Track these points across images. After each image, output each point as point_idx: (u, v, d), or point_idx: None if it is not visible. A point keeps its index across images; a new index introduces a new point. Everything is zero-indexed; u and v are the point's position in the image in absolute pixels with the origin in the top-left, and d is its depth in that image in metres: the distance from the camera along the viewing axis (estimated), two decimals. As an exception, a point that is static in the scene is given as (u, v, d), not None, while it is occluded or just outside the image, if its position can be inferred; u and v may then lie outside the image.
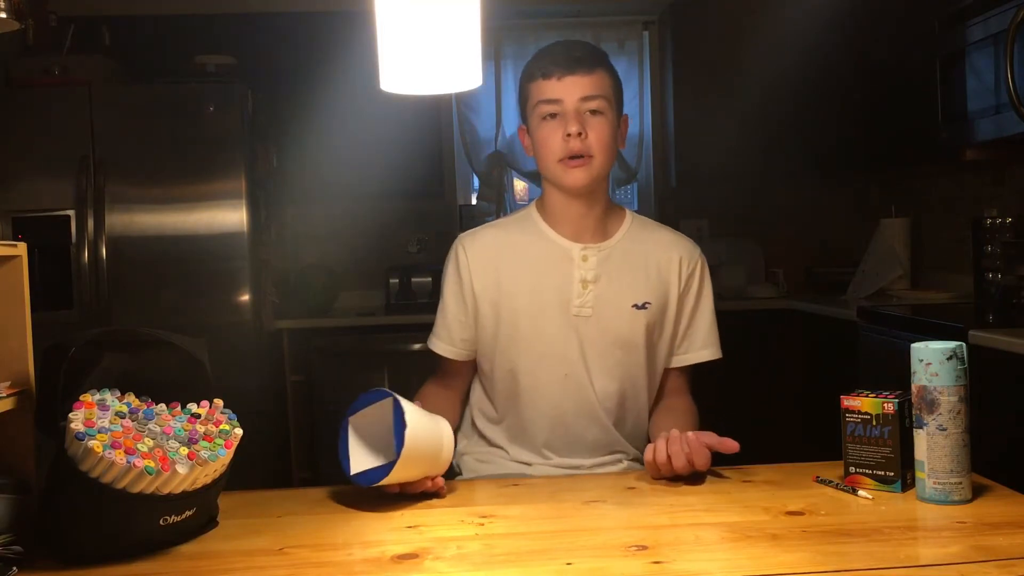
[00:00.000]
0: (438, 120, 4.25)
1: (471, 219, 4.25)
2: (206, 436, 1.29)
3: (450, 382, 1.87)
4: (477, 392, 1.88)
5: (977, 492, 1.36)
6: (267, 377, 3.71)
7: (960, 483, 1.33)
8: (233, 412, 1.37)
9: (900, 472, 1.39)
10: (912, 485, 1.39)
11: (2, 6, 1.37)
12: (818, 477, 1.48)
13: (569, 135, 1.70)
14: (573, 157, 1.72)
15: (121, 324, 3.35)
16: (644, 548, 1.20)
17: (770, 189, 4.50)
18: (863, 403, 1.41)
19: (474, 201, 4.56)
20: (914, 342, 1.36)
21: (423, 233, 4.39)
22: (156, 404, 1.32)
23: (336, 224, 4.38)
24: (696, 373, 1.90)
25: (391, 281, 4.14)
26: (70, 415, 1.21)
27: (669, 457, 1.48)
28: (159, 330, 1.38)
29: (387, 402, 1.45)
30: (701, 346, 1.84)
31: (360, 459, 1.45)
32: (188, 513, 1.26)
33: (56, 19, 3.77)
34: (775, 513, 1.33)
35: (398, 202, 4.38)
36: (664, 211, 4.55)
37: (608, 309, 1.76)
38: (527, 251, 1.80)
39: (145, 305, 3.50)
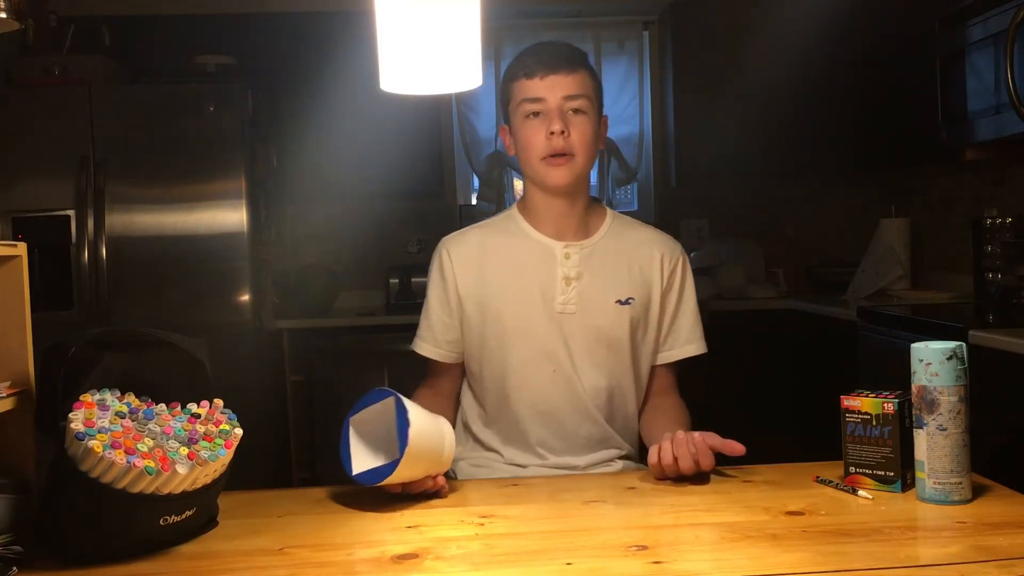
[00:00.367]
0: (438, 120, 4.25)
1: (471, 219, 4.23)
2: (206, 436, 1.29)
3: (440, 386, 1.87)
4: (468, 396, 1.89)
5: (977, 492, 1.36)
6: (267, 377, 3.71)
7: (960, 483, 1.33)
8: (233, 412, 1.37)
9: (900, 472, 1.39)
10: (912, 485, 1.39)
11: (2, 6, 1.37)
12: (818, 477, 1.48)
13: (552, 133, 1.73)
14: (556, 155, 1.74)
15: (121, 324, 3.35)
16: (644, 548, 1.20)
17: (770, 189, 4.50)
18: (863, 403, 1.41)
19: (474, 201, 4.56)
20: (914, 342, 1.36)
21: (423, 233, 4.39)
22: (156, 404, 1.32)
23: (336, 224, 4.38)
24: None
25: (391, 281, 4.14)
26: (70, 415, 1.21)
27: (675, 459, 1.48)
28: (159, 330, 1.39)
29: (389, 401, 1.45)
30: (686, 341, 1.86)
31: (362, 459, 1.45)
32: (188, 513, 1.26)
33: (56, 19, 3.77)
34: (775, 513, 1.33)
35: (398, 202, 4.38)
36: (664, 211, 4.55)
37: (592, 306, 1.78)
38: (510, 251, 1.82)
39: (145, 305, 3.50)
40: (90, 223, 3.46)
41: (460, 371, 1.88)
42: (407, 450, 1.38)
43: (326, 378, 3.85)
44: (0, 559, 1.18)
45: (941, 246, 4.00)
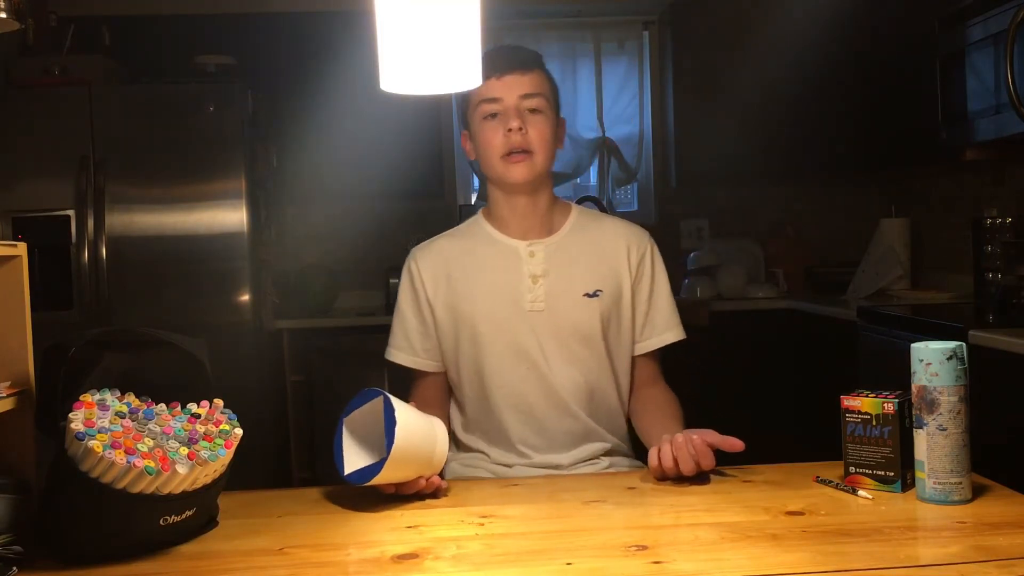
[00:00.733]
0: (438, 120, 4.25)
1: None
2: (206, 436, 1.29)
3: (425, 397, 1.86)
4: (451, 405, 1.91)
5: (977, 492, 1.36)
6: (267, 377, 3.71)
7: (960, 483, 1.33)
8: (233, 412, 1.37)
9: (900, 472, 1.39)
10: (912, 485, 1.39)
11: (2, 6, 1.37)
12: (818, 477, 1.48)
13: (510, 130, 1.75)
14: (515, 152, 1.76)
15: (121, 324, 3.35)
16: (644, 548, 1.20)
17: (770, 189, 4.51)
18: (863, 403, 1.41)
19: (474, 201, 4.56)
20: (914, 342, 1.36)
21: (423, 233, 4.31)
22: (156, 404, 1.32)
23: (336, 224, 4.38)
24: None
25: (391, 281, 4.13)
26: (70, 415, 1.21)
27: (676, 461, 1.49)
28: (159, 330, 1.39)
29: (378, 401, 1.45)
30: (664, 328, 1.86)
31: (353, 459, 1.46)
32: (188, 513, 1.26)
33: (56, 19, 3.78)
34: (775, 513, 1.33)
35: (398, 202, 4.38)
36: (664, 211, 4.55)
37: (560, 301, 1.79)
38: (476, 255, 1.84)
39: (145, 305, 3.50)
40: (90, 223, 3.46)
41: (443, 380, 1.89)
42: (393, 450, 1.38)
43: (326, 378, 3.85)
44: (0, 559, 1.18)
45: (941, 246, 4.00)
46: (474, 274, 1.83)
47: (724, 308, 3.93)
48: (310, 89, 4.01)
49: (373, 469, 1.40)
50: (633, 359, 1.87)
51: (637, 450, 1.85)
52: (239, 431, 1.33)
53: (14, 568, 1.18)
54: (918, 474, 1.35)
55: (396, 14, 1.33)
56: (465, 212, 4.36)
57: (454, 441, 1.88)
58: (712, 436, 1.51)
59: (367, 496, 1.47)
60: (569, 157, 4.45)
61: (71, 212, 3.48)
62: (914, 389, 1.35)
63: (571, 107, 4.47)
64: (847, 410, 1.43)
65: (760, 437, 3.79)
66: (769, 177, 4.32)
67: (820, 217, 4.53)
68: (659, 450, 1.51)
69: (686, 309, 3.94)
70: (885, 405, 1.39)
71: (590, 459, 1.81)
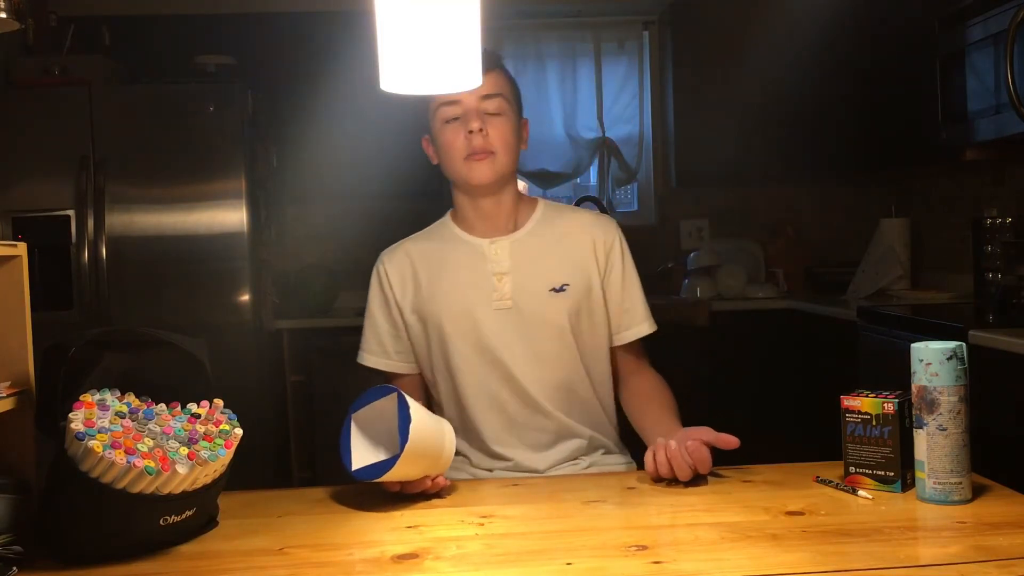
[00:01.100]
0: (438, 120, 4.24)
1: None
2: (206, 436, 1.29)
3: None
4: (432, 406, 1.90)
5: (977, 492, 1.36)
6: (267, 377, 3.71)
7: (960, 483, 1.33)
8: (233, 412, 1.37)
9: (900, 472, 1.39)
10: (912, 485, 1.39)
11: (2, 6, 1.37)
12: (818, 477, 1.48)
13: (471, 132, 1.75)
14: (476, 153, 1.76)
15: (121, 324, 3.35)
16: (644, 548, 1.20)
17: (770, 189, 4.51)
18: (863, 403, 1.41)
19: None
20: (914, 342, 1.36)
21: (423, 233, 4.38)
22: (156, 404, 1.32)
23: (336, 224, 4.38)
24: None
25: (391, 281, 4.13)
26: (70, 415, 1.21)
27: (675, 469, 1.49)
28: (159, 330, 1.39)
29: (391, 398, 1.46)
30: (641, 320, 1.85)
31: (362, 454, 1.46)
32: (188, 513, 1.26)
33: (56, 19, 3.78)
34: (775, 513, 1.33)
35: (398, 202, 4.37)
36: (664, 211, 4.55)
37: (526, 298, 1.78)
38: (441, 256, 1.85)
39: (145, 305, 3.50)
40: (90, 223, 3.46)
41: (418, 381, 1.88)
42: (407, 447, 1.38)
43: (326, 378, 3.85)
44: (0, 559, 1.18)
45: (941, 246, 4.00)
46: (440, 274, 1.82)
47: (724, 308, 3.93)
48: (310, 89, 4.01)
49: (384, 466, 1.40)
50: (613, 350, 1.86)
51: (632, 442, 1.84)
52: (239, 431, 1.33)
53: (14, 568, 1.18)
54: (918, 474, 1.35)
55: (396, 14, 1.33)
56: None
57: None
58: (707, 434, 1.51)
59: (367, 496, 1.47)
60: (569, 157, 4.45)
61: (71, 212, 3.47)
62: (914, 389, 1.35)
63: (571, 107, 4.47)
64: (847, 410, 1.43)
65: (760, 437, 3.79)
66: (769, 177, 4.32)
67: (820, 217, 4.53)
68: (654, 455, 1.51)
69: (686, 309, 3.95)
70: (885, 405, 1.39)
71: (569, 459, 1.80)
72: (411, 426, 1.38)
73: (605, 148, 4.48)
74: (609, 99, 4.51)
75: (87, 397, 1.25)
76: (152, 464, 1.19)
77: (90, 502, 1.19)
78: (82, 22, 3.77)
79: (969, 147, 3.10)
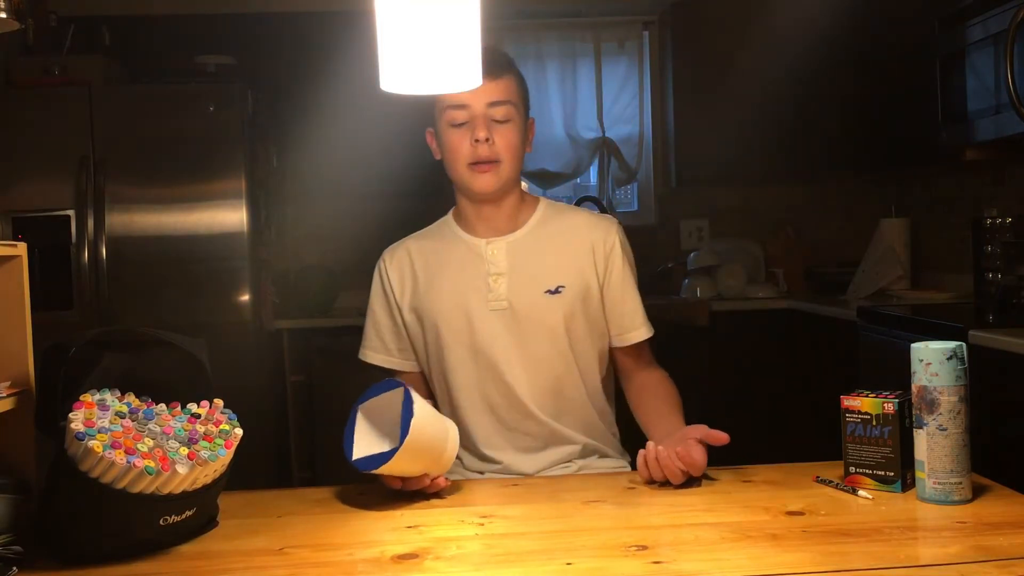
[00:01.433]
0: (438, 120, 4.24)
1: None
2: (206, 436, 1.29)
3: None
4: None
5: (977, 492, 1.36)
6: (267, 377, 3.71)
7: (960, 483, 1.33)
8: (233, 412, 1.37)
9: (900, 472, 1.39)
10: (912, 485, 1.39)
11: (2, 6, 1.37)
12: (818, 477, 1.48)
13: (477, 141, 1.74)
14: (481, 162, 1.75)
15: (121, 324, 3.35)
16: (644, 548, 1.20)
17: (770, 189, 4.51)
18: (863, 403, 1.41)
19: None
20: (914, 342, 1.36)
21: (423, 233, 4.38)
22: (156, 404, 1.32)
23: (336, 224, 4.38)
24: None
25: (391, 281, 4.13)
26: (70, 415, 1.21)
27: (665, 474, 1.48)
28: (159, 330, 1.39)
29: (398, 392, 1.46)
30: (641, 323, 1.84)
31: (364, 445, 1.46)
32: (188, 513, 1.26)
33: (56, 19, 3.77)
34: (775, 513, 1.33)
35: (398, 202, 4.36)
36: (664, 211, 4.55)
37: (521, 299, 1.77)
38: (439, 254, 1.84)
39: (145, 305, 3.50)
40: (90, 223, 3.46)
41: (419, 379, 1.88)
42: (407, 441, 1.38)
43: (326, 378, 3.85)
44: (0, 559, 1.18)
45: (941, 246, 4.00)
46: (437, 273, 1.82)
47: (724, 308, 3.93)
48: (310, 89, 4.01)
49: (383, 457, 1.40)
50: (615, 351, 1.85)
51: (638, 445, 1.84)
52: (239, 431, 1.33)
53: (14, 568, 1.18)
54: (918, 474, 1.35)
55: (396, 14, 1.33)
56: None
57: None
58: (699, 431, 1.50)
59: (367, 496, 1.47)
60: (569, 157, 4.45)
61: (71, 212, 3.47)
62: (914, 389, 1.35)
63: (571, 107, 4.47)
64: (847, 410, 1.43)
65: (760, 437, 3.81)
66: (769, 177, 4.32)
67: (820, 217, 4.53)
68: (646, 463, 1.50)
69: (686, 309, 3.95)
70: (885, 405, 1.39)
71: (559, 463, 1.79)
72: (412, 421, 1.38)
73: (605, 148, 4.48)
74: (609, 99, 4.51)
75: (87, 397, 1.25)
76: (152, 464, 1.19)
77: (90, 502, 1.19)
78: (82, 22, 3.78)
79: (969, 147, 3.10)
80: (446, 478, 1.50)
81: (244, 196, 3.54)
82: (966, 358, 1.33)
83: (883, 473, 1.40)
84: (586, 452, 1.81)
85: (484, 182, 1.76)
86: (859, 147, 3.98)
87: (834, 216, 4.53)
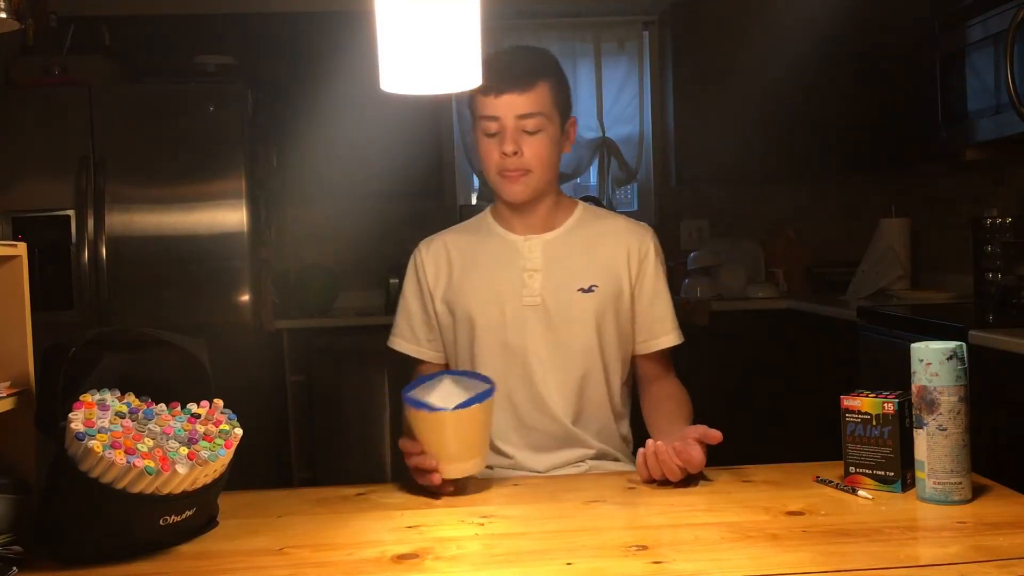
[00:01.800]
0: (438, 120, 4.25)
1: (471, 219, 4.26)
2: (206, 436, 1.29)
3: None
4: None
5: (977, 492, 1.36)
6: (267, 377, 3.71)
7: (960, 483, 1.33)
8: (233, 412, 1.37)
9: (900, 472, 1.39)
10: (912, 485, 1.39)
11: (2, 6, 1.37)
12: (818, 477, 1.48)
13: (505, 154, 1.76)
14: (511, 171, 1.77)
15: (121, 324, 3.35)
16: (644, 548, 1.20)
17: (770, 189, 4.50)
18: (863, 403, 1.41)
19: (474, 201, 4.56)
20: (914, 342, 1.36)
21: (423, 233, 4.34)
22: (156, 404, 1.32)
23: (336, 224, 4.38)
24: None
25: (391, 281, 4.13)
26: (70, 415, 1.21)
27: (664, 471, 1.49)
28: (159, 330, 1.39)
29: (485, 387, 1.51)
30: (670, 329, 1.86)
31: (423, 393, 1.51)
32: (188, 513, 1.26)
33: (56, 19, 3.77)
34: (775, 513, 1.33)
35: (398, 202, 4.37)
36: (664, 211, 4.55)
37: (554, 296, 1.79)
38: (477, 249, 1.87)
39: (145, 305, 3.50)
40: (90, 223, 3.46)
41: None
42: (462, 411, 1.42)
43: (326, 378, 3.85)
44: (0, 559, 1.18)
45: (941, 246, 4.00)
46: (473, 267, 1.84)
47: (724, 308, 3.93)
48: (310, 89, 4.01)
49: (427, 407, 1.45)
50: (637, 358, 1.87)
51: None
52: (239, 431, 1.33)
53: (14, 568, 1.18)
54: (918, 474, 1.35)
55: (396, 14, 1.33)
56: (465, 212, 4.36)
57: None
58: (696, 431, 1.51)
59: (367, 496, 1.48)
60: (569, 157, 4.44)
61: (71, 212, 3.47)
62: (914, 389, 1.35)
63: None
64: (847, 410, 1.43)
65: (760, 437, 3.80)
66: (769, 177, 4.32)
67: (820, 217, 4.53)
68: (646, 462, 1.51)
69: (686, 309, 3.95)
70: (885, 405, 1.39)
71: (571, 463, 1.79)
72: (488, 399, 1.44)
73: (605, 148, 4.48)
74: (609, 99, 4.51)
75: (87, 397, 1.25)
76: (152, 464, 1.19)
77: (90, 502, 1.19)
78: (82, 22, 3.77)
79: (969, 147, 3.10)
80: (452, 485, 1.50)
81: (244, 196, 3.54)
82: (966, 358, 1.33)
83: (883, 473, 1.40)
84: (598, 457, 1.82)
85: (514, 191, 1.79)
86: (859, 147, 3.98)
87: (834, 216, 4.53)
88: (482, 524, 1.34)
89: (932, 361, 1.32)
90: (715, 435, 1.49)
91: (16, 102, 3.52)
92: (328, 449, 3.82)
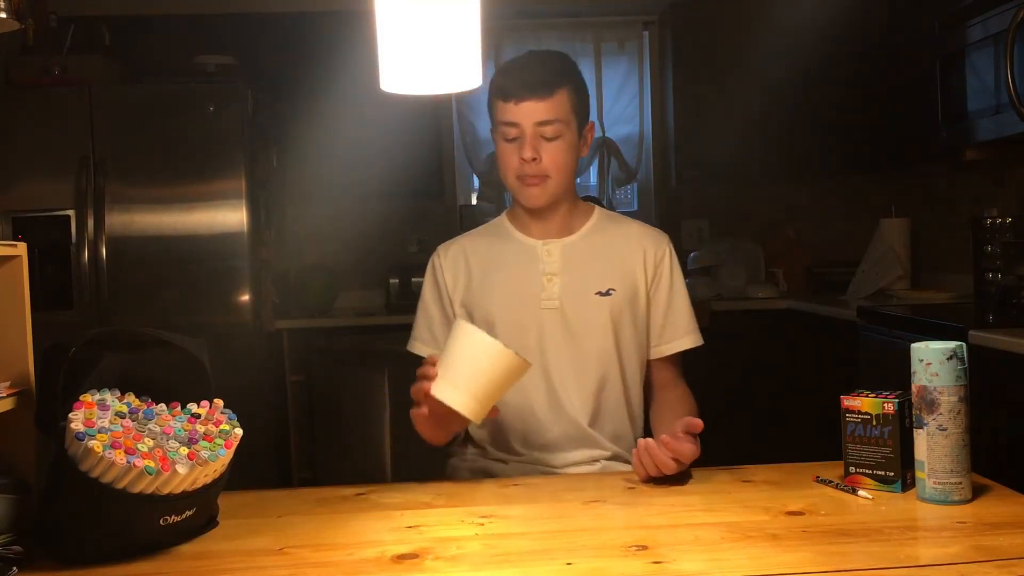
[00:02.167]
0: (438, 120, 4.25)
1: (471, 219, 4.25)
2: (206, 436, 1.29)
3: None
4: None
5: (977, 492, 1.36)
6: (267, 377, 3.71)
7: (960, 483, 1.33)
8: (233, 412, 1.37)
9: (900, 472, 1.39)
10: (912, 485, 1.39)
11: (2, 6, 1.37)
12: (818, 477, 1.48)
13: (523, 160, 1.77)
14: (529, 176, 1.78)
15: (121, 324, 3.35)
16: (644, 548, 1.20)
17: (770, 189, 4.50)
18: (863, 403, 1.41)
19: (474, 201, 4.56)
20: (914, 342, 1.36)
21: (423, 233, 4.38)
22: (156, 404, 1.32)
23: (336, 224, 4.38)
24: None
25: (391, 281, 4.14)
26: (70, 415, 1.21)
27: (657, 466, 1.49)
28: (159, 330, 1.39)
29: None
30: (684, 332, 1.87)
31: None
32: (188, 513, 1.26)
33: (56, 19, 3.77)
34: (775, 513, 1.33)
35: (398, 202, 4.37)
36: (664, 211, 4.55)
37: (573, 300, 1.81)
38: (496, 253, 1.88)
39: (145, 305, 3.50)
40: (90, 223, 3.46)
41: None
42: (516, 357, 1.42)
43: (326, 378, 3.85)
44: (0, 559, 1.18)
45: (941, 246, 4.00)
46: (492, 272, 1.85)
47: (724, 308, 3.93)
48: (310, 89, 4.01)
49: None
50: (651, 363, 1.88)
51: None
52: (239, 431, 1.33)
53: (14, 568, 1.18)
54: (918, 474, 1.35)
55: (396, 14, 1.33)
56: (465, 212, 4.37)
57: (466, 436, 1.89)
58: (680, 424, 1.51)
59: (367, 496, 1.48)
60: (569, 157, 4.44)
61: (71, 212, 3.47)
62: (914, 389, 1.35)
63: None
64: (847, 410, 1.43)
65: (760, 437, 3.79)
66: (769, 177, 4.32)
67: (820, 217, 4.53)
68: (641, 462, 1.51)
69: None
70: (885, 405, 1.39)
71: (586, 462, 1.80)
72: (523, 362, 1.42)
73: (605, 148, 4.48)
74: (609, 99, 4.51)
75: (87, 397, 1.25)
76: (152, 464, 1.19)
77: (90, 502, 1.19)
78: (82, 22, 3.77)
79: (969, 147, 3.10)
80: (435, 407, 1.49)
81: (244, 196, 3.54)
82: (966, 358, 1.33)
83: (883, 473, 1.40)
84: (612, 459, 1.82)
85: (532, 196, 1.81)
86: (859, 147, 3.98)
87: (834, 216, 4.52)
88: (482, 524, 1.34)
89: (932, 361, 1.32)
90: (697, 423, 1.51)
91: (16, 102, 3.52)
92: (328, 449, 3.82)
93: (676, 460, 1.48)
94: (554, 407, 1.79)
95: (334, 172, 4.06)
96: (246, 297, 3.57)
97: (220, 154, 3.54)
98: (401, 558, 1.20)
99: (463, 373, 1.45)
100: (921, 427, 1.34)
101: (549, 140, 1.77)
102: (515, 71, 1.78)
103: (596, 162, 4.51)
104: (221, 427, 1.32)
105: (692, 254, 4.30)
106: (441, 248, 1.94)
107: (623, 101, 4.53)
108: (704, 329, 1.93)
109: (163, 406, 1.32)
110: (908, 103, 3.56)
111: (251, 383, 3.54)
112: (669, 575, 1.12)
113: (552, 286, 1.81)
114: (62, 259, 3.47)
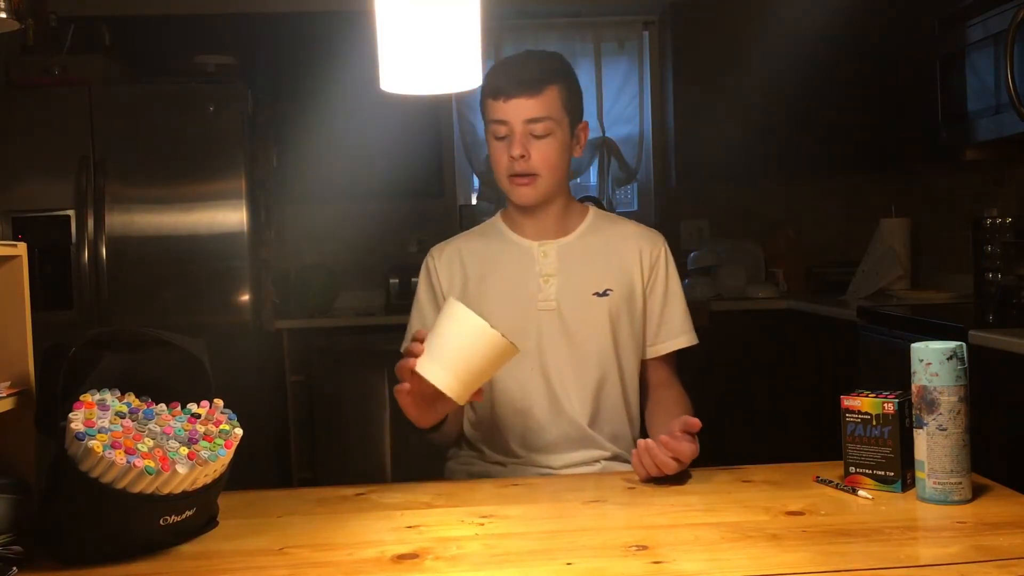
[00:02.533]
0: (438, 120, 4.25)
1: (471, 219, 4.25)
2: (206, 436, 1.29)
3: None
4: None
5: (977, 492, 1.36)
6: (267, 377, 3.71)
7: (960, 483, 1.33)
8: (233, 412, 1.37)
9: (900, 472, 1.39)
10: (912, 485, 1.39)
11: (2, 6, 1.37)
12: (818, 477, 1.48)
13: (513, 157, 1.77)
14: (519, 175, 1.78)
15: (121, 324, 3.35)
16: (644, 548, 1.20)
17: (770, 189, 4.50)
18: (863, 403, 1.41)
19: (474, 201, 4.56)
20: (914, 342, 1.36)
21: (423, 233, 4.38)
22: (156, 404, 1.32)
23: (336, 224, 4.38)
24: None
25: (391, 281, 4.14)
26: (70, 415, 1.21)
27: (656, 466, 1.49)
28: (159, 330, 1.39)
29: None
30: (679, 332, 1.87)
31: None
32: (188, 513, 1.26)
33: (56, 19, 3.77)
34: (775, 513, 1.33)
35: (398, 202, 4.38)
36: (664, 211, 4.55)
37: (570, 300, 1.80)
38: (491, 255, 1.87)
39: (145, 305, 3.50)
40: (90, 223, 3.46)
41: None
42: (503, 339, 1.41)
43: (326, 378, 3.85)
44: (0, 559, 1.18)
45: (941, 246, 4.00)
46: (487, 273, 1.85)
47: (724, 308, 3.93)
48: (310, 89, 4.01)
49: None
50: (646, 362, 1.88)
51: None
52: (239, 431, 1.33)
53: (14, 568, 1.18)
54: (918, 474, 1.35)
55: (396, 14, 1.33)
56: (465, 212, 4.37)
57: (461, 438, 1.89)
58: (678, 423, 1.52)
59: (367, 496, 1.48)
60: (569, 157, 4.44)
61: (71, 212, 3.47)
62: (914, 389, 1.35)
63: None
64: (847, 410, 1.43)
65: (760, 437, 3.79)
66: (769, 177, 4.32)
67: (820, 217, 4.53)
68: (641, 462, 1.51)
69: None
70: (885, 405, 1.39)
71: (586, 463, 1.80)
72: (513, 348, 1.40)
73: (605, 148, 4.48)
74: (609, 99, 4.51)
75: (87, 397, 1.25)
76: (152, 464, 1.19)
77: (90, 502, 1.19)
78: (82, 22, 3.77)
79: (969, 147, 3.10)
80: (417, 384, 1.49)
81: (244, 196, 3.54)
82: (966, 358, 1.33)
83: (883, 473, 1.40)
84: (612, 459, 1.83)
85: (522, 194, 1.80)
86: (859, 147, 3.98)
87: (834, 216, 4.53)
88: (482, 524, 1.34)
89: (932, 361, 1.32)
90: (695, 422, 1.51)
91: (16, 102, 3.52)
92: (328, 449, 3.82)
93: (676, 460, 1.48)
94: (554, 408, 1.79)
95: (334, 172, 4.06)
96: (246, 297, 3.57)
97: (220, 154, 3.54)
98: (401, 558, 1.20)
99: (449, 352, 1.44)
100: (921, 427, 1.34)
101: (539, 138, 1.76)
102: (505, 69, 1.78)
103: (596, 162, 4.51)
104: (221, 427, 1.32)
105: (692, 254, 4.30)
106: (435, 249, 1.93)
107: (623, 101, 4.53)
108: (703, 329, 1.93)
109: (163, 406, 1.32)
110: (908, 103, 3.56)
111: (251, 383, 3.54)
112: (669, 575, 1.12)
113: (549, 287, 1.81)
114: (62, 259, 3.47)
